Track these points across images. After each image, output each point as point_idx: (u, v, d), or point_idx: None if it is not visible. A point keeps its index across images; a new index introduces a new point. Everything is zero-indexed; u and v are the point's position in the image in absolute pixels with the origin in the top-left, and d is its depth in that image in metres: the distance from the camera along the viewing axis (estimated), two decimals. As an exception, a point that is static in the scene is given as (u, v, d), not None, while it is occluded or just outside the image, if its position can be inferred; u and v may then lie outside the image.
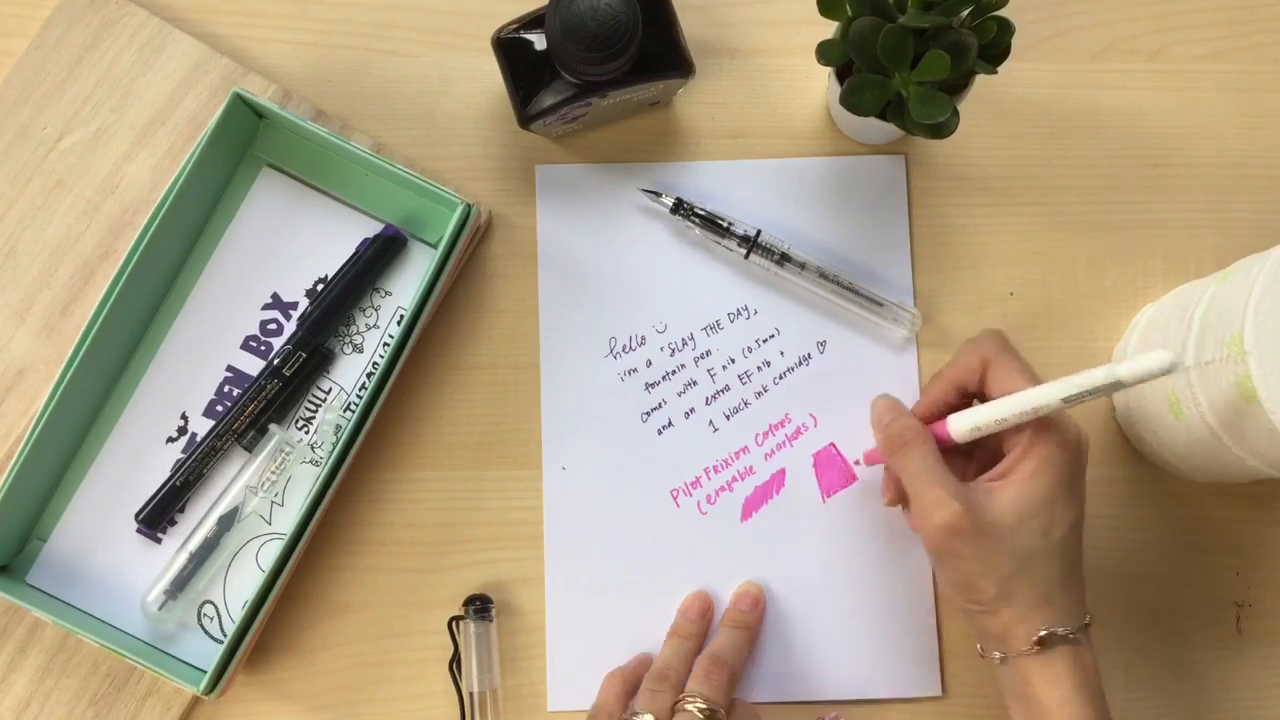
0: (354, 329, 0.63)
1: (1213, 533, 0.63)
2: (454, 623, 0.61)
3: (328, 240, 0.62)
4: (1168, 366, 0.47)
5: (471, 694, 0.60)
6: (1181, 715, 0.62)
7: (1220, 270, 0.60)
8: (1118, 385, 0.49)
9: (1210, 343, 0.53)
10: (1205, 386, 0.53)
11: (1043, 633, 0.51)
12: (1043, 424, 0.53)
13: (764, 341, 0.63)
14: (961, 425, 0.54)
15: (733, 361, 0.63)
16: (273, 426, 0.61)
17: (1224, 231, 0.65)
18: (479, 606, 0.60)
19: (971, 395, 0.56)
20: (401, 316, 0.62)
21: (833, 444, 0.63)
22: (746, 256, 0.62)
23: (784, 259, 0.62)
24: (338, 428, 0.60)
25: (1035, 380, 0.53)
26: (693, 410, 0.63)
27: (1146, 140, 0.65)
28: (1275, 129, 0.65)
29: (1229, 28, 0.66)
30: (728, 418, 0.63)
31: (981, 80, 0.57)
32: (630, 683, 0.59)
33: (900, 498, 0.57)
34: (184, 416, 0.62)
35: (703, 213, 0.62)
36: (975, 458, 0.57)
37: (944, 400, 0.56)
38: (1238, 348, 0.50)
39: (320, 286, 0.62)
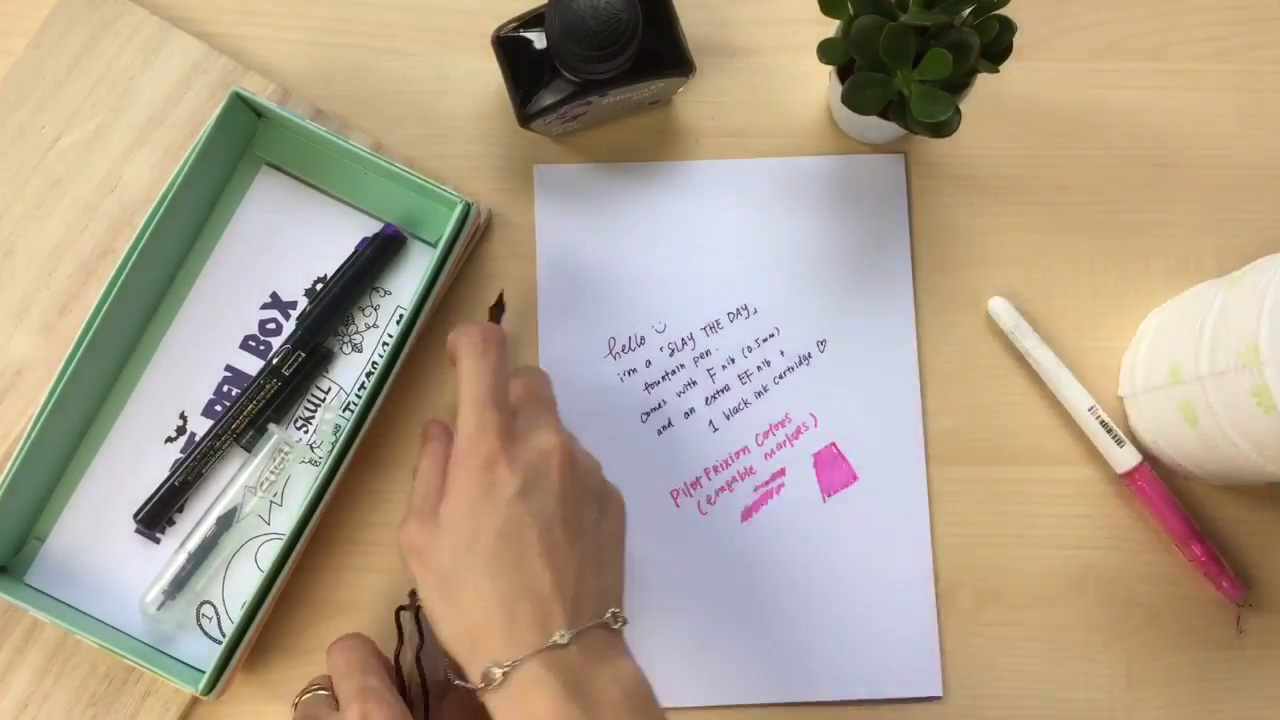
0: (353, 328, 0.62)
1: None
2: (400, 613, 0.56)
3: (327, 239, 0.62)
4: None
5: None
6: (1182, 715, 0.61)
7: (1223, 271, 0.60)
8: None
9: (1223, 352, 0.52)
10: (1221, 396, 0.53)
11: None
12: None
13: (764, 341, 0.63)
14: None
15: (732, 361, 0.63)
16: (271, 426, 0.61)
17: (1226, 232, 0.64)
18: None
19: None
20: (401, 316, 0.62)
21: (833, 443, 0.63)
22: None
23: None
24: (337, 427, 0.60)
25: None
26: (692, 410, 0.63)
27: (1148, 140, 0.65)
28: (1276, 129, 0.65)
29: (1230, 28, 0.66)
30: (728, 418, 0.63)
31: (982, 79, 0.57)
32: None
33: None
34: (183, 416, 0.61)
35: None
36: None
37: None
38: (1253, 358, 0.49)
39: (319, 286, 0.62)
